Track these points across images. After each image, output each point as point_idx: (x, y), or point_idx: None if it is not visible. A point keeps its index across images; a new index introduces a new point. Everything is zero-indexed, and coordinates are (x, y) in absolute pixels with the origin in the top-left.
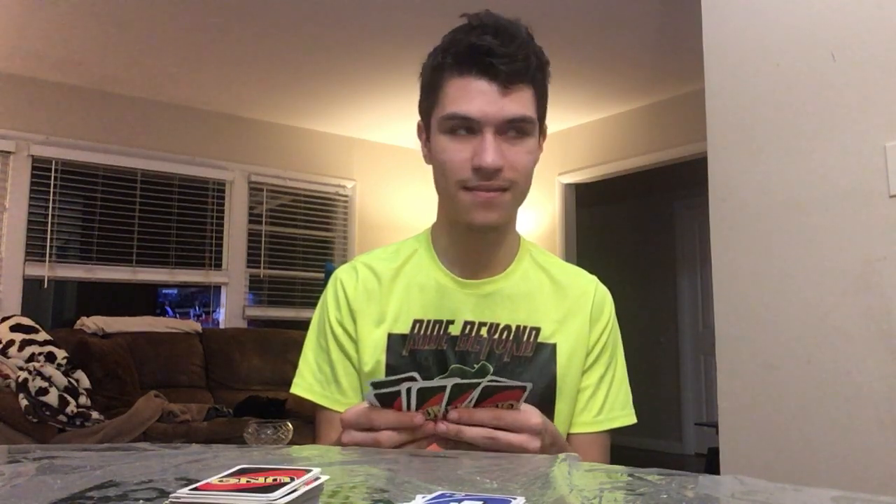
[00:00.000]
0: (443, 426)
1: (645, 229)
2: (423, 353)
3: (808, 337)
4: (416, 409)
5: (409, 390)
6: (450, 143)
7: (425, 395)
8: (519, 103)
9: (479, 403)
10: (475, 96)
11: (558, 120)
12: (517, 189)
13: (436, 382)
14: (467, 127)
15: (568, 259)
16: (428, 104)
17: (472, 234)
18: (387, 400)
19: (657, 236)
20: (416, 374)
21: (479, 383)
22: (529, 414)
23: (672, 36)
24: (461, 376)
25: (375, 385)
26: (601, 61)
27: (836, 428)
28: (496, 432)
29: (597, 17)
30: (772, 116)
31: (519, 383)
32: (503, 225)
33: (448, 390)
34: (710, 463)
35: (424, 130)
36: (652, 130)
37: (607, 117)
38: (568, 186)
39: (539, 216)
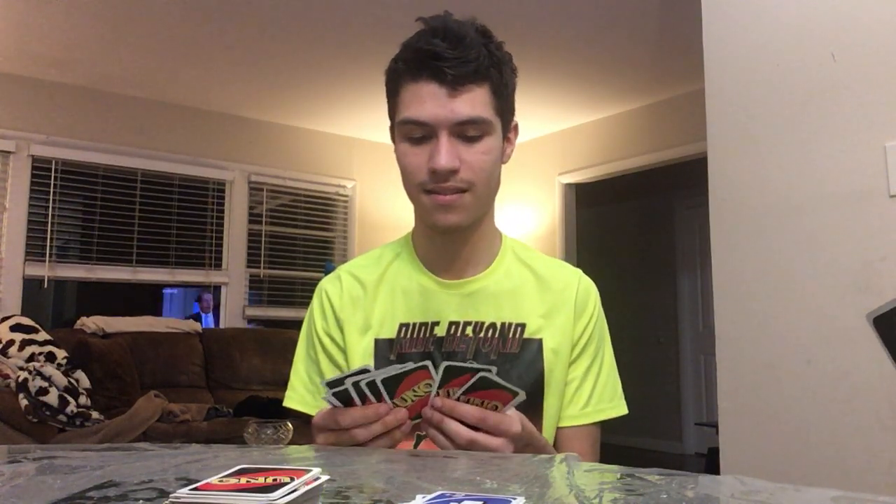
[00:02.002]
0: (428, 411)
1: (645, 229)
2: (410, 357)
3: (808, 337)
4: (378, 401)
5: (356, 384)
6: (409, 149)
7: (389, 386)
8: (469, 104)
9: (468, 393)
10: (426, 100)
11: (558, 120)
12: (476, 190)
13: (388, 371)
14: (423, 132)
15: (568, 259)
16: (390, 110)
17: (445, 235)
18: (343, 397)
19: (657, 236)
20: (369, 367)
21: (472, 368)
22: (513, 420)
23: (672, 36)
24: (452, 367)
25: (330, 384)
26: (601, 61)
27: (836, 428)
28: (476, 433)
29: (597, 17)
30: (772, 117)
31: (514, 388)
32: (467, 225)
33: (440, 373)
34: (710, 463)
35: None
36: (652, 130)
37: (607, 117)
38: (568, 186)
39: (539, 216)
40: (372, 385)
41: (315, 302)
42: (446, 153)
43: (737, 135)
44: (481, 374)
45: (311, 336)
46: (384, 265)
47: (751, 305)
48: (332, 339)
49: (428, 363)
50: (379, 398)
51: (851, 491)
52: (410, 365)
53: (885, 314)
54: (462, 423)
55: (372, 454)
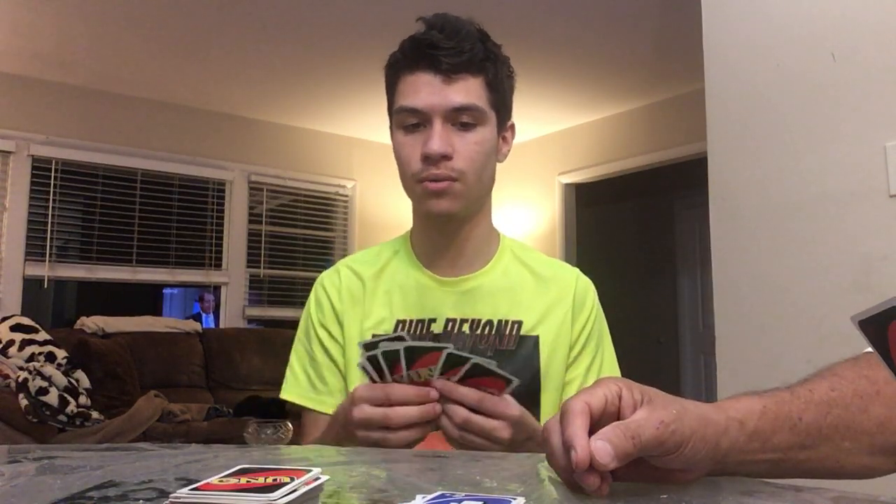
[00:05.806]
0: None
1: (645, 229)
2: None
3: (808, 337)
4: (407, 369)
5: (399, 351)
6: (404, 138)
7: (409, 358)
8: (464, 92)
9: (462, 382)
10: (421, 88)
11: (558, 120)
12: (467, 179)
13: (426, 344)
14: (418, 119)
15: (568, 259)
16: (388, 105)
17: (440, 228)
18: (375, 363)
19: (657, 236)
20: (404, 335)
21: (470, 358)
22: (510, 403)
23: (672, 36)
24: (455, 353)
25: (366, 346)
26: (601, 61)
27: None
28: (472, 414)
29: (597, 17)
30: (772, 116)
31: (508, 375)
32: (461, 216)
33: (442, 359)
34: None
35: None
36: (652, 130)
37: (607, 117)
38: (568, 186)
39: (539, 216)
40: (393, 354)
41: (312, 296)
42: (439, 138)
43: (737, 135)
44: (474, 360)
45: (308, 329)
46: (382, 262)
47: (751, 305)
48: (329, 333)
49: (451, 346)
50: (392, 370)
51: (851, 491)
52: (436, 344)
53: (870, 318)
54: (461, 405)
55: (372, 454)
